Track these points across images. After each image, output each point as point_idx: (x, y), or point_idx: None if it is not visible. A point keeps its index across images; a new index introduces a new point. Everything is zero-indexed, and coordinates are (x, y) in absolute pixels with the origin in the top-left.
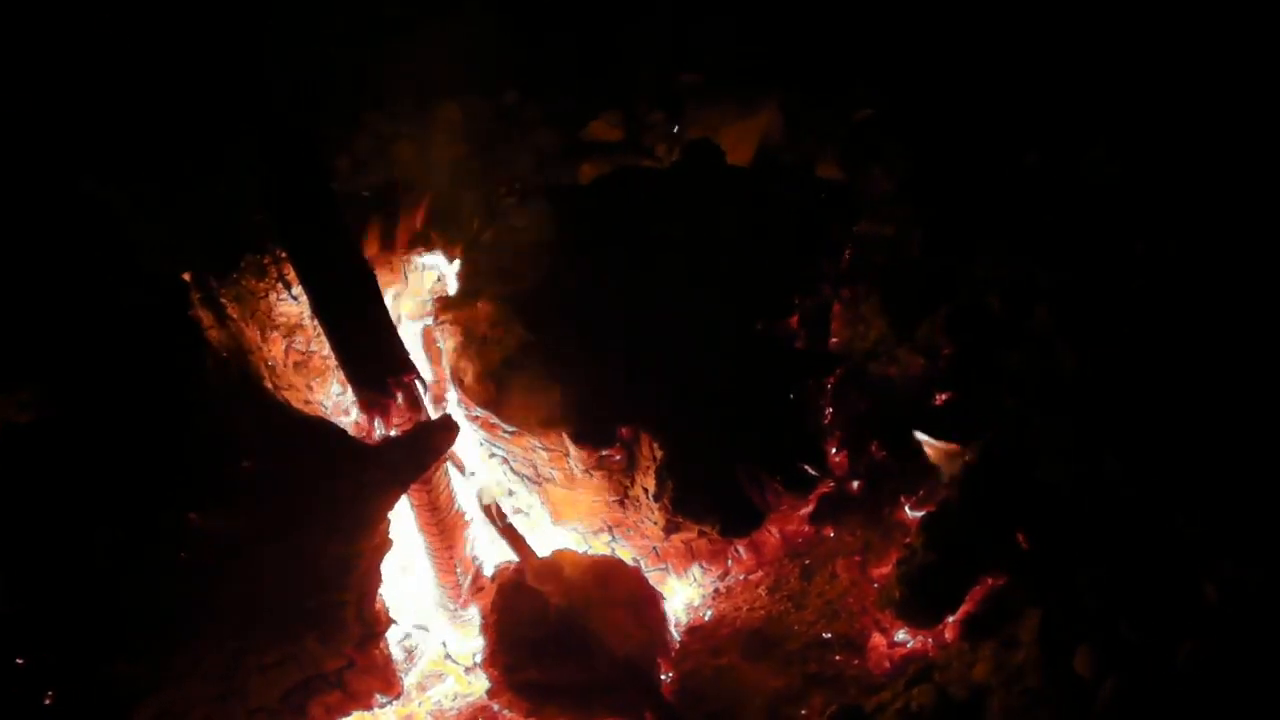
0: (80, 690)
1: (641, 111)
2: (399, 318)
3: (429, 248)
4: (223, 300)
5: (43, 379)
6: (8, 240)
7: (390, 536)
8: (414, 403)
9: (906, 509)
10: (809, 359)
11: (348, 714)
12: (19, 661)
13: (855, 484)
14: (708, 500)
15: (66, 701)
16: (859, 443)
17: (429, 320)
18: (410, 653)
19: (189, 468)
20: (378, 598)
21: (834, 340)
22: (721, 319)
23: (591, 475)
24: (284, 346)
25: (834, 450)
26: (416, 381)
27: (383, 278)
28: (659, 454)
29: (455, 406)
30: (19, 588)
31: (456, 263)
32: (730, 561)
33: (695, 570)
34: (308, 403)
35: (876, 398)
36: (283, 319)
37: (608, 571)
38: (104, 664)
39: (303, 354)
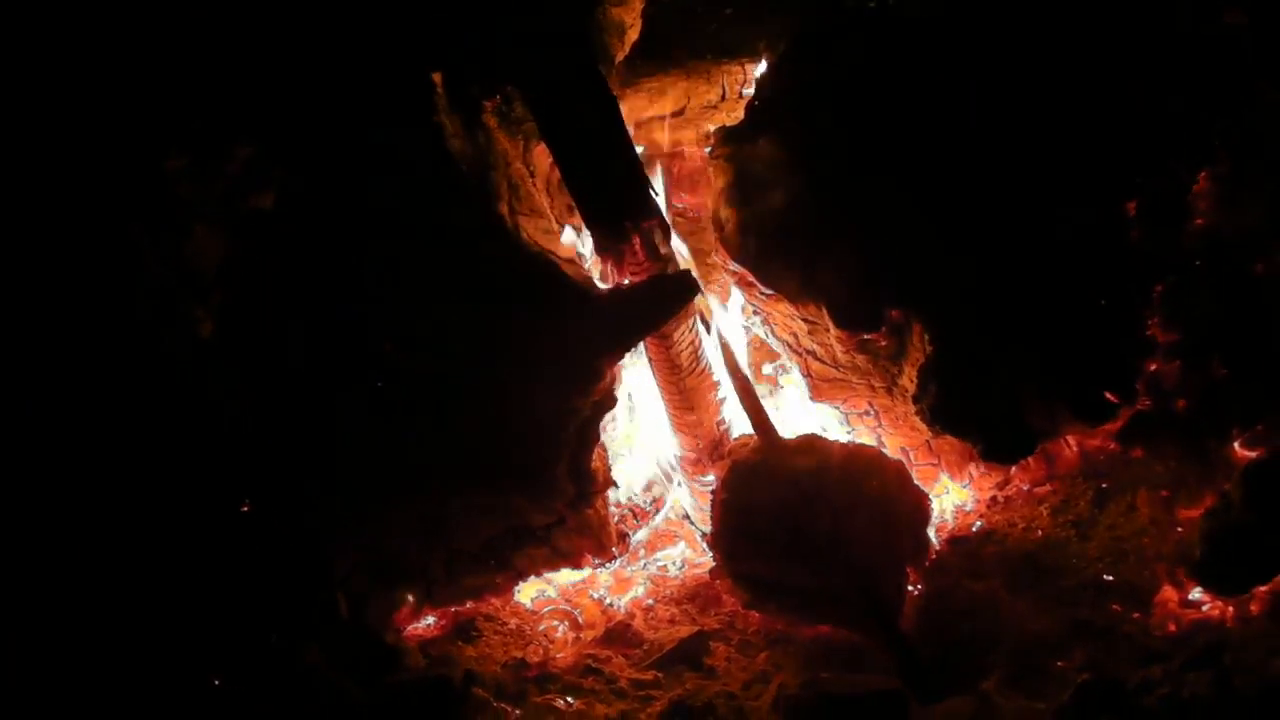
0: (284, 523)
1: None
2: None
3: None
4: (485, 104)
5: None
6: None
7: (615, 394)
8: (652, 252)
9: (1236, 445)
10: (1139, 259)
11: (556, 570)
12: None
13: (1180, 403)
14: (973, 414)
15: (268, 530)
16: (1199, 353)
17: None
18: (643, 509)
19: (388, 297)
20: (595, 456)
21: (1198, 222)
22: (1038, 196)
23: (854, 357)
24: (550, 161)
25: (1164, 358)
26: (657, 227)
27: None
28: (928, 349)
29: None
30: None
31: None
32: (1014, 468)
33: (972, 470)
34: (548, 232)
35: (1234, 301)
36: None
37: (864, 465)
38: (305, 499)
39: None
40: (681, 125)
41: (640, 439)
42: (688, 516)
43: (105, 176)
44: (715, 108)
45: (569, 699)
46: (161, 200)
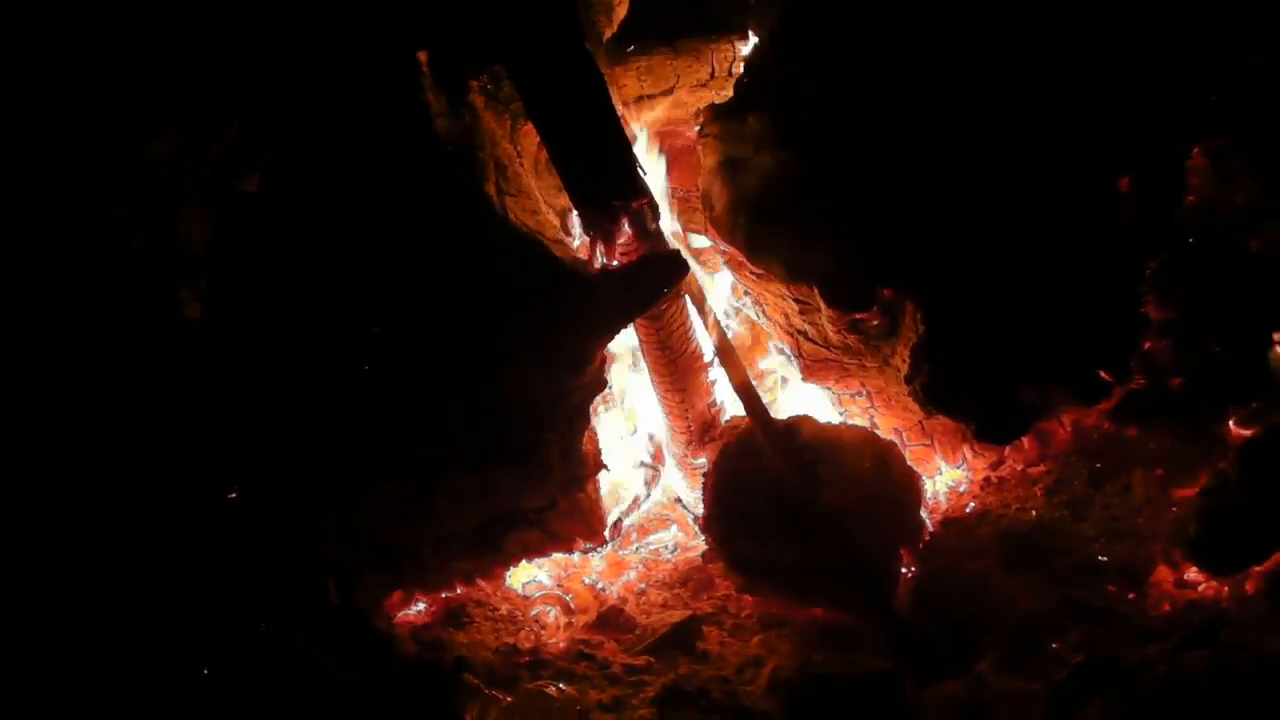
0: (271, 509)
1: None
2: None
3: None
4: (472, 83)
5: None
6: None
7: (605, 376)
8: (642, 231)
9: (1231, 424)
10: (1134, 236)
11: (547, 554)
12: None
13: (1175, 381)
14: (967, 395)
15: (255, 516)
16: (1193, 331)
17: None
18: (635, 496)
19: (373, 278)
20: (586, 439)
21: (1191, 199)
22: (1032, 172)
23: (846, 338)
24: (538, 141)
25: (1158, 336)
26: (646, 207)
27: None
28: (921, 328)
29: (702, 237)
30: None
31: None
32: (1008, 449)
33: (966, 451)
34: (535, 213)
35: (1229, 278)
36: None
37: (856, 446)
38: (291, 484)
39: None
40: (671, 104)
41: (632, 421)
42: (680, 500)
43: (92, 159)
44: (705, 86)
45: (561, 685)
46: (148, 182)
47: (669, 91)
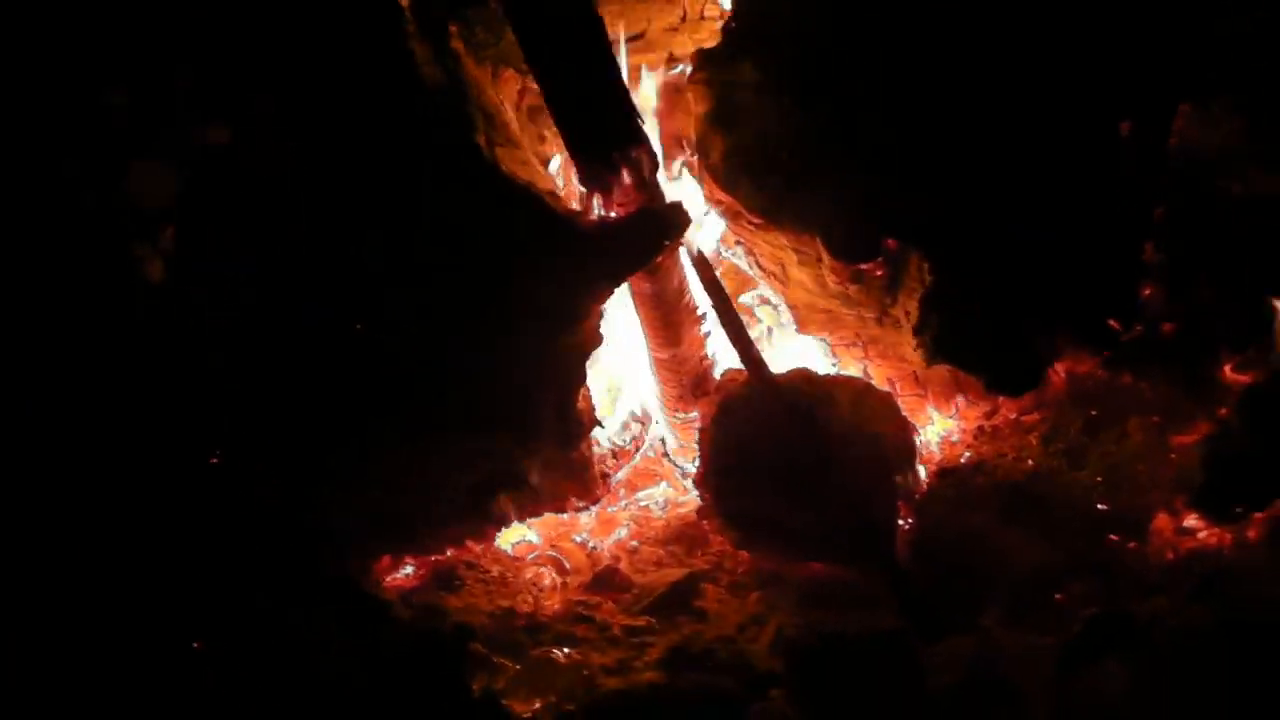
0: (258, 478)
1: None
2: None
3: None
4: (451, 29)
5: None
6: None
7: (600, 332)
8: (640, 182)
9: (1228, 369)
10: (1135, 179)
11: (538, 515)
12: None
13: (1168, 326)
14: (977, 344)
15: (242, 486)
16: (1181, 276)
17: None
18: (623, 448)
19: (361, 235)
20: (581, 396)
21: (1173, 141)
22: (1031, 120)
23: (846, 288)
24: (518, 88)
25: (1148, 282)
26: (645, 157)
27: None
28: (928, 279)
29: (695, 185)
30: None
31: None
32: (1002, 398)
33: (959, 400)
34: (525, 164)
35: (1215, 221)
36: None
37: (851, 396)
38: (277, 451)
39: (540, 97)
40: (643, 49)
41: (619, 375)
42: (668, 454)
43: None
44: (676, 30)
45: (565, 649)
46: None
47: (639, 36)
